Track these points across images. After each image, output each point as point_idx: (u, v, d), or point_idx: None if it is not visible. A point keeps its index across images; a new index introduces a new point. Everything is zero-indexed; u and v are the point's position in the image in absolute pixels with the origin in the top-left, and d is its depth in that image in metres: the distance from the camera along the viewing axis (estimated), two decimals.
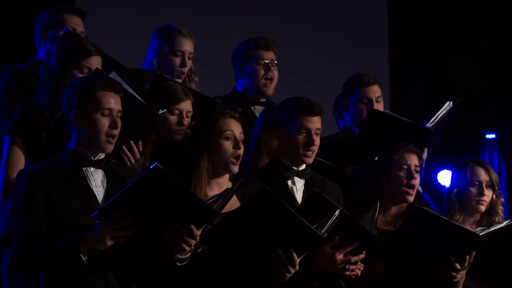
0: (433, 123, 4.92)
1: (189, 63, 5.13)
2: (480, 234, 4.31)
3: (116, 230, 3.63)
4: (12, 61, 4.97)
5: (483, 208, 4.94)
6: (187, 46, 5.12)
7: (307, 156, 4.41)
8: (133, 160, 4.23)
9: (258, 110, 5.18)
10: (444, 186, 7.28)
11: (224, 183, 4.21)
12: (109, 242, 3.64)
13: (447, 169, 7.18)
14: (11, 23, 6.70)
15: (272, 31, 6.23)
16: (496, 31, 8.31)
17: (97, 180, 3.84)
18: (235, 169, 4.19)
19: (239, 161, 4.20)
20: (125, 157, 4.21)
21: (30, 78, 4.62)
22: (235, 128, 4.20)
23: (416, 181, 4.70)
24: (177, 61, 5.10)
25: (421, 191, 4.94)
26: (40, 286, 3.75)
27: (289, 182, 4.44)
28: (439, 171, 7.71)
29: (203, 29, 6.76)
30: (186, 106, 4.48)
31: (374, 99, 5.25)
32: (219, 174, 4.20)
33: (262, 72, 5.27)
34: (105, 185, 3.84)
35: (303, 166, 4.47)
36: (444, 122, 5.03)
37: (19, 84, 4.70)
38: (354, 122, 5.30)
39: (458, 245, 4.33)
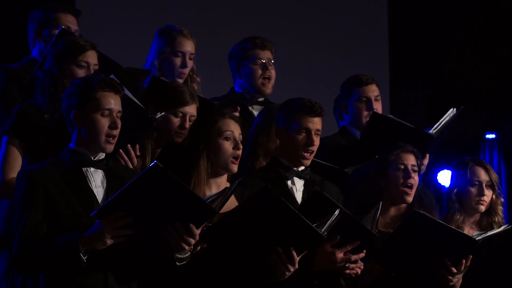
0: (436, 129, 4.92)
1: (190, 64, 5.13)
2: (477, 238, 4.31)
3: (116, 229, 3.63)
4: (5, 61, 4.96)
5: (483, 208, 4.94)
6: (188, 46, 5.12)
7: (305, 156, 4.42)
8: (129, 164, 4.23)
9: (256, 109, 5.18)
10: (444, 186, 7.28)
11: (222, 183, 4.21)
12: (109, 241, 3.64)
13: (447, 169, 7.18)
14: (3, 22, 6.68)
15: (272, 31, 6.23)
16: (496, 31, 8.31)
17: (97, 181, 3.84)
18: (235, 168, 4.20)
19: (239, 160, 4.21)
20: (122, 160, 4.22)
21: (24, 78, 4.62)
22: (235, 129, 4.21)
23: (414, 181, 4.70)
24: (178, 61, 5.10)
25: (421, 191, 4.93)
26: (39, 286, 3.74)
27: (289, 183, 4.44)
28: (439, 171, 7.71)
29: (202, 29, 6.76)
30: (191, 109, 4.48)
31: (373, 98, 5.25)
32: (218, 174, 4.21)
33: (259, 71, 5.27)
34: (104, 185, 3.84)
35: (303, 167, 4.47)
36: (447, 128, 5.03)
37: (13, 83, 4.70)
38: (352, 123, 5.29)
39: (455, 249, 4.33)
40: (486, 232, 4.43)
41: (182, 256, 3.78)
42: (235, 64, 5.34)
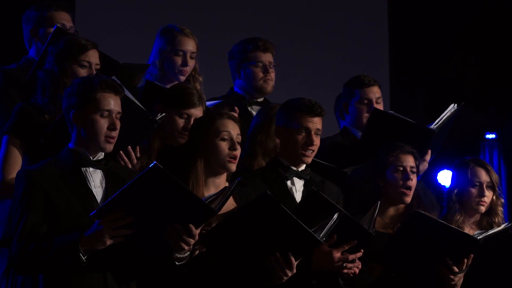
0: (437, 125, 4.91)
1: (191, 63, 5.12)
2: (478, 237, 4.32)
3: (115, 229, 3.63)
4: (2, 63, 4.95)
5: (483, 209, 4.93)
6: (189, 45, 5.12)
7: (305, 155, 4.42)
8: (129, 166, 4.22)
9: (255, 110, 5.17)
10: (444, 186, 7.28)
11: (221, 183, 4.19)
12: (109, 241, 3.64)
13: (447, 169, 7.18)
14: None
15: (272, 32, 6.23)
16: (496, 31, 8.31)
17: (96, 181, 3.84)
18: (233, 167, 4.18)
19: (237, 160, 4.19)
20: (121, 162, 4.21)
21: (22, 78, 4.62)
22: (232, 129, 4.19)
23: (413, 182, 4.70)
24: (179, 60, 5.09)
25: (422, 191, 4.93)
26: (39, 286, 3.74)
27: (289, 183, 4.44)
28: (439, 171, 7.71)
29: (202, 29, 6.75)
30: (197, 112, 4.47)
31: (374, 100, 5.24)
32: (216, 174, 4.19)
33: (260, 74, 5.27)
34: (104, 185, 3.84)
35: (303, 167, 4.47)
36: (449, 124, 5.02)
37: (11, 84, 4.69)
38: (353, 123, 5.29)
39: (456, 248, 4.34)
40: (487, 231, 4.45)
41: (181, 256, 3.78)
42: (235, 64, 5.33)
